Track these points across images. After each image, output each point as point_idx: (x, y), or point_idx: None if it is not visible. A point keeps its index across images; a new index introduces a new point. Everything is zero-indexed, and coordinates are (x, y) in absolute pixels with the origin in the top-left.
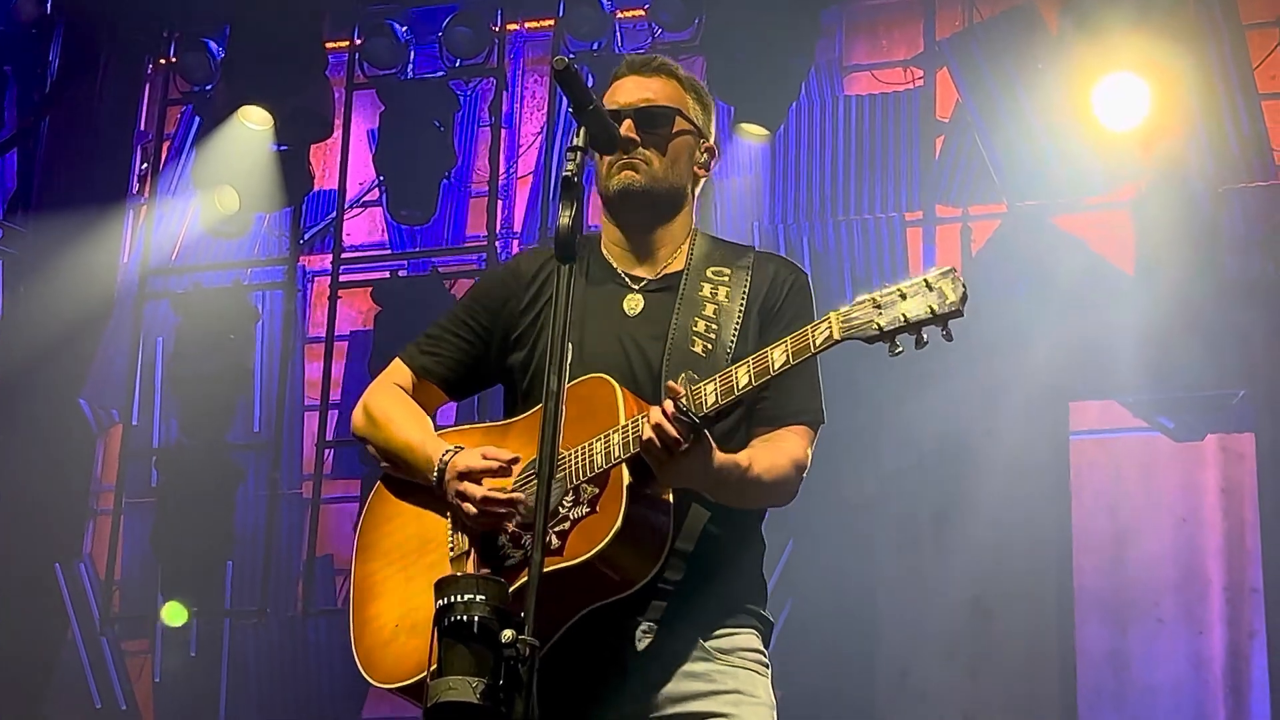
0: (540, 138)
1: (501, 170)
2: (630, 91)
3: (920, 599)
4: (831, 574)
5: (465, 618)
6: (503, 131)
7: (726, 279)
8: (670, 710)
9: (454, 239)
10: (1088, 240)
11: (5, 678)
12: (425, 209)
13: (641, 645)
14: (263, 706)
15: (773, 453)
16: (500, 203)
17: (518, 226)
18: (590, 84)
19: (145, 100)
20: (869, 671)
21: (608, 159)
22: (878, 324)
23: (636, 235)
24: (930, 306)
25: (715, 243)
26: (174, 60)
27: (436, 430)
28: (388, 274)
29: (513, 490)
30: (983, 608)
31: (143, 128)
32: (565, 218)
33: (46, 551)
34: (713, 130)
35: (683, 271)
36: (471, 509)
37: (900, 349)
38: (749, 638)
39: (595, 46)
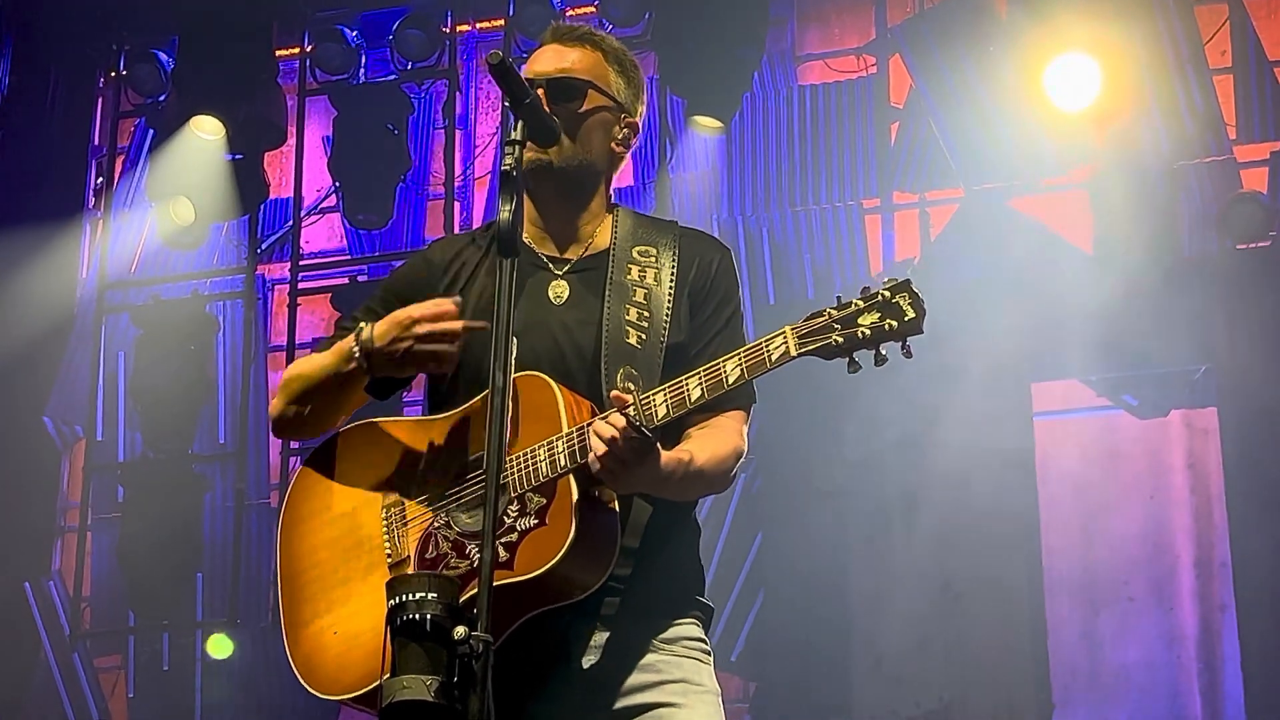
0: (495, 138)
1: (458, 172)
2: (547, 60)
3: (891, 586)
4: (802, 564)
5: (417, 616)
6: (458, 133)
7: (653, 259)
8: (620, 704)
9: (413, 242)
10: (1045, 221)
11: None
12: (382, 213)
13: (592, 643)
14: (237, 716)
15: (714, 443)
16: (458, 204)
17: (477, 227)
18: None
19: (98, 114)
20: (843, 659)
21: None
22: (835, 340)
23: (551, 214)
24: (890, 323)
25: (638, 219)
26: (124, 73)
27: (364, 421)
28: (347, 280)
29: (455, 490)
30: (953, 592)
31: (96, 141)
32: (505, 212)
33: (15, 570)
34: (640, 106)
35: (607, 251)
36: (425, 347)
37: (859, 366)
38: (691, 627)
39: None
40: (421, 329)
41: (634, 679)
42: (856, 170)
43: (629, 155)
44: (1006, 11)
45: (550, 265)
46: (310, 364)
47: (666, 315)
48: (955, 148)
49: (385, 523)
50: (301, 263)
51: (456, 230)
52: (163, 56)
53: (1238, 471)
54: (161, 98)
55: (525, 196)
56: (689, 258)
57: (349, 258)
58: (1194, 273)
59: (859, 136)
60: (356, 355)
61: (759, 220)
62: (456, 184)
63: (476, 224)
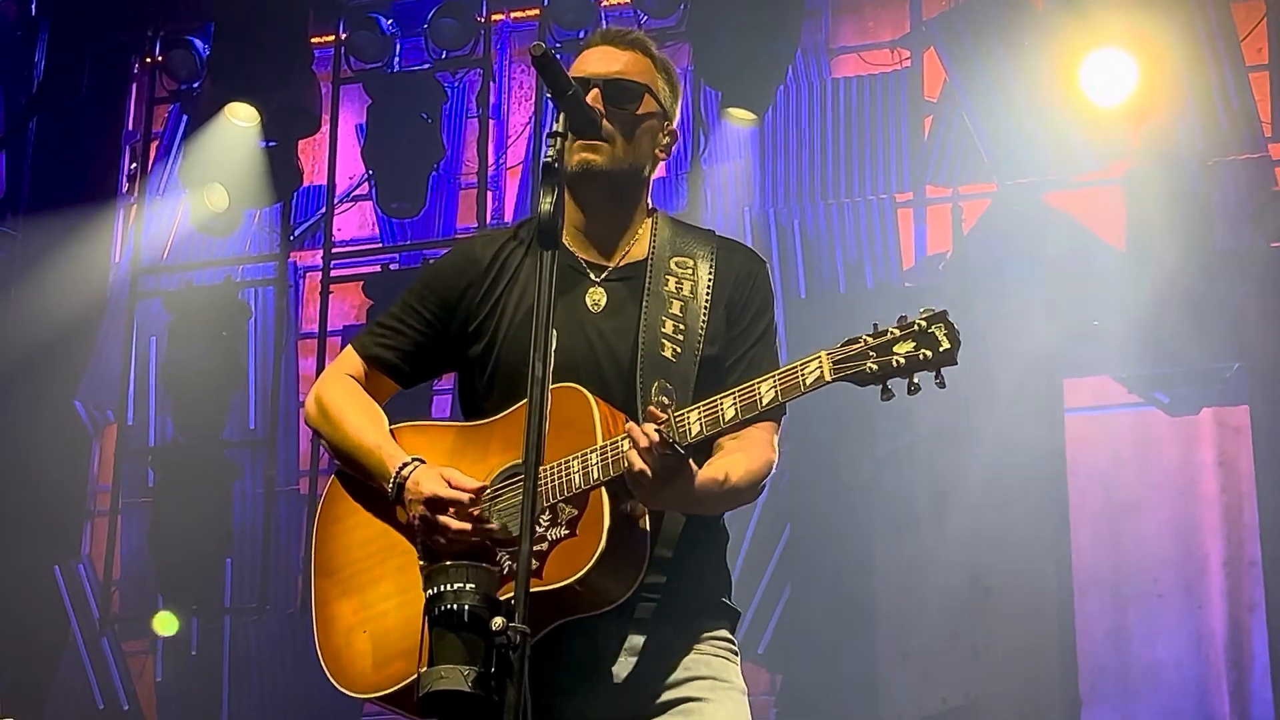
0: (528, 128)
1: (490, 161)
2: (600, 61)
3: (919, 580)
4: (830, 558)
5: (455, 606)
6: (491, 122)
7: (690, 270)
8: (648, 700)
9: (445, 231)
10: (1079, 217)
11: (8, 681)
12: (415, 202)
13: (625, 646)
14: (264, 703)
15: (747, 457)
16: (490, 194)
17: (508, 217)
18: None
19: (132, 100)
20: (870, 654)
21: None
22: (870, 368)
23: (595, 218)
24: (925, 353)
25: (677, 228)
26: (159, 59)
27: (408, 425)
28: (379, 268)
29: (489, 495)
30: (982, 587)
31: (130, 127)
32: (547, 204)
33: (45, 554)
34: (677, 113)
35: (645, 261)
36: (441, 541)
37: (892, 394)
38: (722, 629)
39: (581, 35)
40: (444, 532)
41: (663, 677)
42: (889, 164)
43: None
44: (1043, 6)
45: (589, 272)
46: (352, 428)
47: (702, 327)
48: (989, 142)
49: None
50: (334, 250)
51: (489, 220)
52: (198, 43)
53: (1269, 470)
54: (196, 84)
55: (568, 198)
56: (726, 270)
57: (381, 246)
58: (1227, 270)
59: (892, 130)
60: (389, 487)
61: (791, 213)
62: (489, 173)
63: (509, 214)
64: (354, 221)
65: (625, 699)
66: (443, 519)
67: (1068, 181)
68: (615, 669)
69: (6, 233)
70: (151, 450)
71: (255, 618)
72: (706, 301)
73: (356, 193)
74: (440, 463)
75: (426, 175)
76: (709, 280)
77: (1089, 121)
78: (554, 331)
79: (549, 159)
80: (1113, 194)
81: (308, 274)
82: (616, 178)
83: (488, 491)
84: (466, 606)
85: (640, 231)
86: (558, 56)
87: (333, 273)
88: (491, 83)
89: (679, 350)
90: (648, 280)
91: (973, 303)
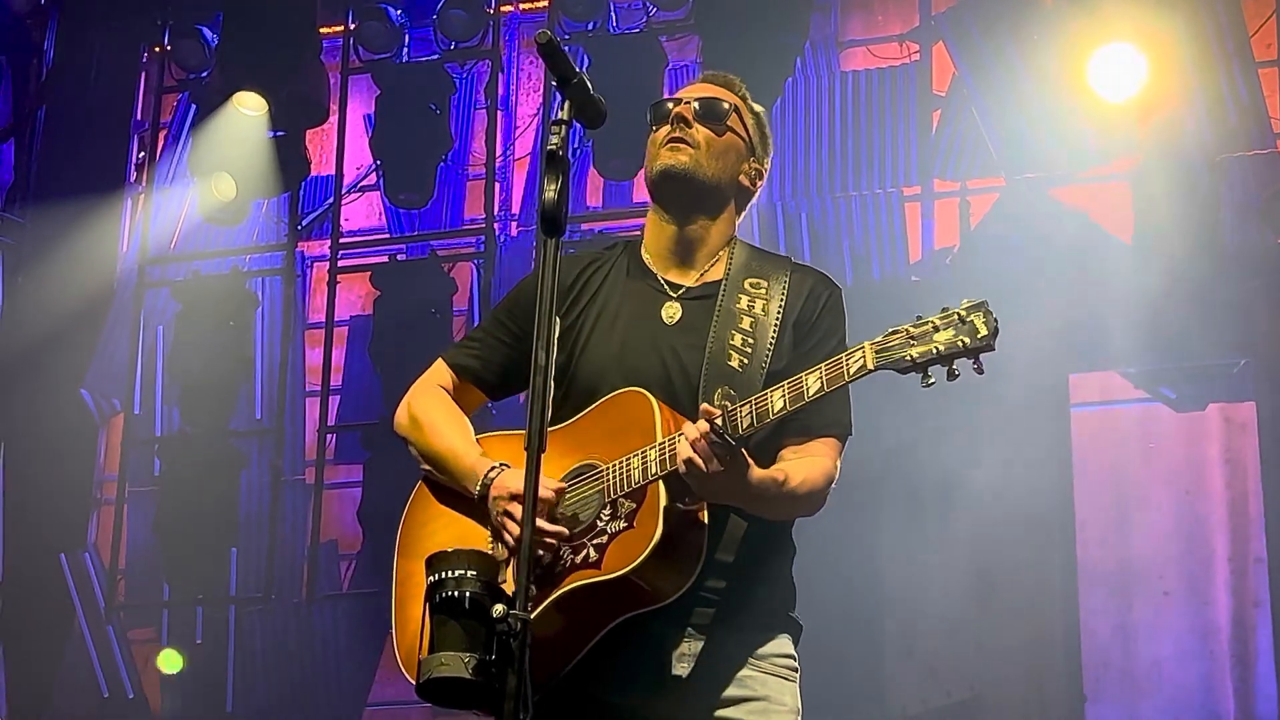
0: (537, 119)
1: (499, 152)
2: (696, 88)
3: (925, 575)
4: (835, 551)
5: (456, 593)
6: (499, 113)
7: (764, 291)
8: (704, 713)
9: (452, 222)
10: (1086, 212)
11: (14, 669)
12: (423, 192)
13: (685, 650)
14: (269, 692)
15: (807, 466)
16: (498, 185)
17: (516, 208)
18: (585, 66)
19: (140, 88)
20: (875, 648)
21: (659, 134)
22: (911, 355)
23: (677, 230)
24: (963, 340)
25: (754, 252)
26: (168, 48)
27: (493, 434)
28: (386, 258)
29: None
30: (987, 582)
31: (139, 116)
32: (551, 191)
33: (51, 542)
34: (767, 163)
35: (721, 281)
36: (504, 528)
37: (932, 380)
38: (783, 643)
39: (590, 27)
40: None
41: (720, 690)
42: (897, 157)
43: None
44: (1052, 1)
45: (667, 289)
46: (441, 436)
47: (770, 342)
48: (997, 136)
49: (492, 525)
50: (341, 240)
51: (496, 211)
52: (207, 32)
53: (1275, 466)
54: (205, 73)
55: (652, 214)
56: (798, 290)
57: (388, 236)
58: (1234, 266)
59: (900, 123)
60: (476, 489)
61: (798, 206)
62: (497, 164)
63: (516, 205)
64: (361, 212)
65: (681, 705)
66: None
67: (1075, 176)
68: (674, 673)
69: (14, 221)
70: (158, 439)
71: (260, 607)
72: (777, 320)
73: (364, 183)
74: (521, 467)
75: (434, 166)
76: (781, 299)
77: (1097, 116)
78: (555, 319)
79: (553, 146)
80: (1120, 189)
81: (315, 264)
82: (697, 185)
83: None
84: (467, 593)
85: (719, 256)
86: (564, 48)
87: (340, 263)
88: (500, 74)
89: (745, 362)
90: (721, 297)
91: (979, 296)
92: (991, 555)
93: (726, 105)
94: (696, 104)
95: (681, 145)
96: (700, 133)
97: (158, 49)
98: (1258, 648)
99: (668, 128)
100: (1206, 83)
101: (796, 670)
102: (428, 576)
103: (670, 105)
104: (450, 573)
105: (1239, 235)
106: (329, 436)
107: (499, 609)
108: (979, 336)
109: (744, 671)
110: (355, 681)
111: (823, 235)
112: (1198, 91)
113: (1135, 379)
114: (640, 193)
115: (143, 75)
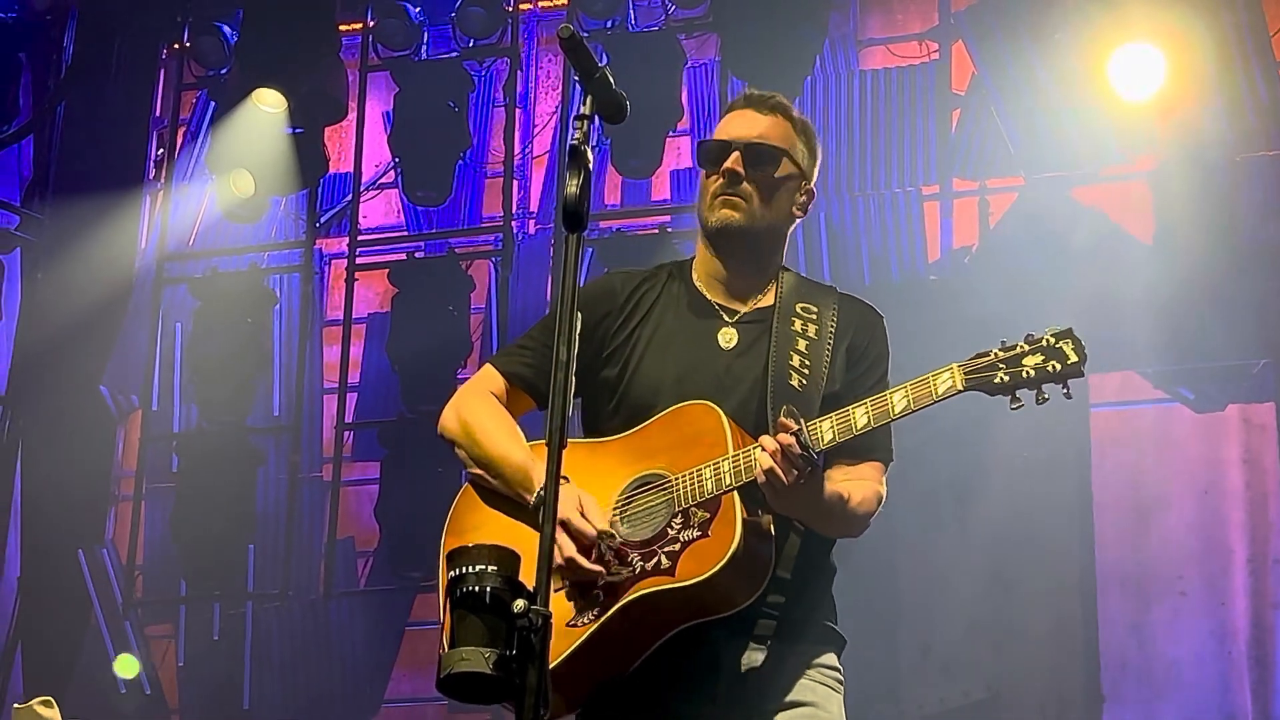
0: (555, 117)
1: (517, 150)
2: (742, 126)
3: (941, 573)
4: (851, 551)
5: (477, 588)
6: (517, 111)
7: (815, 316)
8: (755, 717)
9: (470, 220)
10: (1106, 211)
11: (31, 665)
12: (441, 190)
13: (746, 660)
14: (286, 688)
15: (863, 488)
16: (516, 183)
17: (534, 206)
18: (604, 62)
19: (160, 85)
20: (891, 647)
21: (711, 188)
22: (1001, 379)
23: (732, 269)
24: (1053, 364)
25: (801, 280)
26: (187, 45)
27: (534, 442)
28: (404, 256)
29: (623, 499)
30: (1004, 581)
31: (158, 113)
32: (573, 186)
33: (69, 538)
34: (815, 174)
35: (773, 306)
36: (559, 559)
37: (1021, 403)
38: (831, 655)
39: (609, 24)
40: (568, 567)
41: (775, 697)
42: (916, 156)
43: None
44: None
45: (722, 313)
46: (495, 443)
47: (826, 365)
48: (1016, 136)
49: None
50: (359, 238)
51: (514, 209)
52: (226, 29)
53: None
54: (224, 70)
55: (704, 248)
56: (849, 318)
57: (407, 234)
58: (1254, 266)
59: (919, 122)
60: (530, 501)
61: (816, 204)
62: (515, 162)
63: (534, 203)
64: (380, 209)
65: (743, 714)
66: (565, 542)
67: (1095, 175)
68: (733, 681)
69: (33, 217)
70: (176, 436)
71: (278, 604)
72: (830, 343)
73: (382, 180)
74: (575, 476)
75: (453, 164)
76: (832, 325)
77: (1117, 115)
78: (577, 315)
79: (575, 141)
80: (1140, 188)
81: (333, 261)
82: (754, 235)
83: (620, 497)
84: (488, 588)
85: (771, 282)
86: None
87: (358, 260)
88: (519, 72)
89: (804, 383)
90: (775, 321)
91: (998, 296)
92: (1008, 555)
93: (776, 150)
94: (745, 151)
95: (734, 200)
96: (751, 184)
97: (177, 46)
98: (1276, 649)
99: (719, 180)
100: (1226, 83)
101: (842, 683)
102: (449, 571)
103: (718, 150)
104: (471, 568)
105: (1259, 235)
106: (346, 433)
107: (520, 604)
108: (1069, 363)
109: (798, 680)
110: (372, 678)
111: (841, 234)
112: (1218, 91)
113: (1154, 379)
114: (659, 190)
115: (162, 72)
